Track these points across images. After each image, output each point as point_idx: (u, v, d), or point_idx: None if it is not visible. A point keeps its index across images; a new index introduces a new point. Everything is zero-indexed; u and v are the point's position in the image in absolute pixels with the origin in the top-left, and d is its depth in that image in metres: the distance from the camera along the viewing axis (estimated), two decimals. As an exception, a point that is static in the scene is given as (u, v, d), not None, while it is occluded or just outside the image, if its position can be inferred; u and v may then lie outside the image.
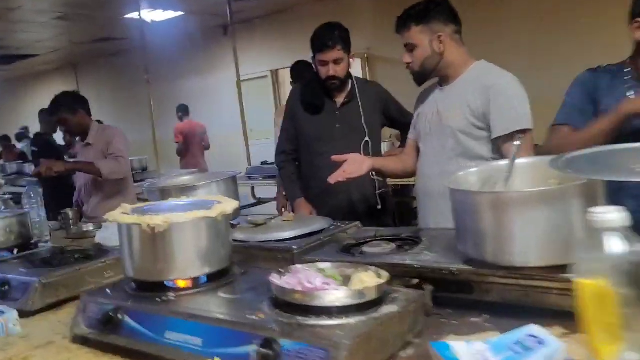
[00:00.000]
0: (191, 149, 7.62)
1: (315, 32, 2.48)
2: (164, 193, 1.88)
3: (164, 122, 9.46)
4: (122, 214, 1.33)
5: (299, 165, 2.71)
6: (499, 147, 1.81)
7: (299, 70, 4.00)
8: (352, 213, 2.40)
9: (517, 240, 1.12)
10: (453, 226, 1.28)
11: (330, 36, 2.42)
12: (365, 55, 7.16)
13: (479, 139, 1.85)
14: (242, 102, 8.65)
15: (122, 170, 3.21)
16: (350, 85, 2.56)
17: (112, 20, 7.81)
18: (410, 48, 1.90)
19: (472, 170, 1.48)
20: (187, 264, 1.28)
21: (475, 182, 1.41)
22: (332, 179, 1.88)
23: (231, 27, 5.91)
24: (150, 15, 7.50)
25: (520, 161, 1.39)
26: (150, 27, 7.46)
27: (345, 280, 1.14)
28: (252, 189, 5.74)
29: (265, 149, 6.38)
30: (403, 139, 2.58)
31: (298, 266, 1.20)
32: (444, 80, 1.97)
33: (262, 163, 5.79)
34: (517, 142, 1.44)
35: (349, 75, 2.54)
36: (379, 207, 2.53)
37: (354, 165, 1.93)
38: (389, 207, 2.62)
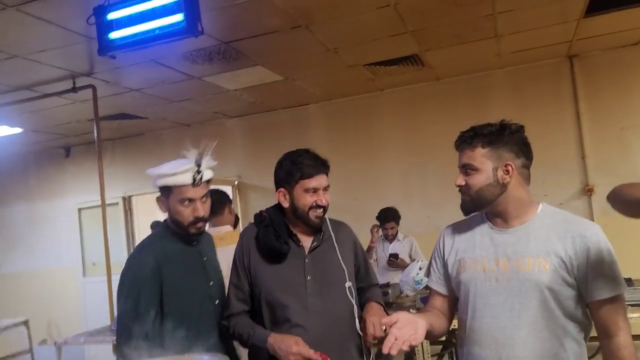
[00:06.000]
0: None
1: (296, 158, 1.93)
2: None
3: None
4: None
5: None
6: (591, 309, 1.55)
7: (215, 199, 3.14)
8: None
9: None
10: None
11: (319, 160, 1.95)
12: (236, 183, 6.72)
13: (566, 299, 1.54)
14: (82, 232, 7.54)
15: None
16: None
17: None
18: (469, 170, 1.64)
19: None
20: None
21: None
22: (386, 349, 1.44)
23: (97, 147, 5.00)
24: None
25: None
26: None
27: None
28: (114, 346, 4.35)
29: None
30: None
31: None
32: (503, 220, 1.65)
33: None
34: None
35: None
36: None
37: (407, 330, 1.48)
38: None
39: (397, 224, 5.01)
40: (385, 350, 1.45)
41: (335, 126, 6.42)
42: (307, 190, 1.90)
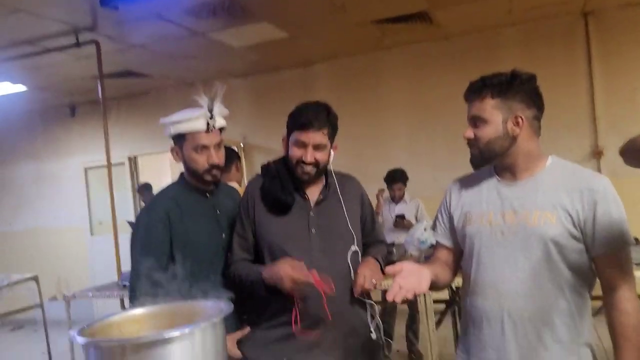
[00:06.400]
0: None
1: (299, 107, 1.90)
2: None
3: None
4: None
5: None
6: (596, 264, 1.53)
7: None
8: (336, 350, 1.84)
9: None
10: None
11: (318, 115, 1.87)
12: (241, 144, 6.69)
13: (571, 252, 1.51)
14: (89, 191, 7.59)
15: None
16: (325, 179, 1.97)
17: None
18: (477, 122, 1.59)
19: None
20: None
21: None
22: (390, 297, 1.45)
23: (102, 106, 4.95)
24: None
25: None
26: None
27: None
28: (122, 300, 4.42)
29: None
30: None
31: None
32: (511, 173, 1.61)
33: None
34: None
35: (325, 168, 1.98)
36: (373, 337, 1.92)
37: (411, 279, 1.49)
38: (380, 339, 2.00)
39: (405, 185, 4.99)
40: (389, 299, 1.44)
41: (341, 86, 6.34)
42: (296, 143, 1.87)
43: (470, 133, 1.60)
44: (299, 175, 1.88)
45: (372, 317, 1.93)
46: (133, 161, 7.32)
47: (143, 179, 7.42)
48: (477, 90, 1.57)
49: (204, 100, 1.89)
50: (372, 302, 1.95)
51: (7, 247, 7.92)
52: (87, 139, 7.44)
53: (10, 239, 7.95)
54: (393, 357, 4.72)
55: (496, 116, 1.55)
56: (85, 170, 7.58)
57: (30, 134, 7.94)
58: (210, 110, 1.90)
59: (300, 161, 1.86)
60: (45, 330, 5.21)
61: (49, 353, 5.18)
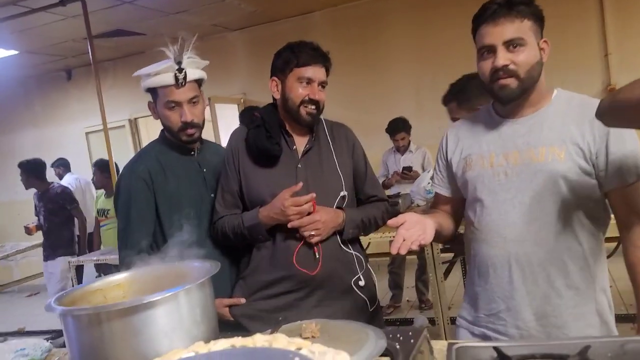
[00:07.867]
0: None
1: (293, 45, 1.74)
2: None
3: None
4: None
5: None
6: (610, 198, 1.42)
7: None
8: (323, 309, 1.70)
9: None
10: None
11: (320, 51, 1.75)
12: (242, 101, 6.54)
13: (583, 189, 1.39)
14: (91, 156, 7.52)
15: None
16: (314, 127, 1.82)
17: None
18: (515, 45, 1.36)
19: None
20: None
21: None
22: (395, 249, 1.34)
23: (94, 67, 4.78)
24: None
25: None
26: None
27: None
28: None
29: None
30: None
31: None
32: (515, 109, 1.45)
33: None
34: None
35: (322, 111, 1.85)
36: (362, 284, 1.81)
37: (415, 230, 1.36)
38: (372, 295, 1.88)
39: (408, 134, 4.84)
40: (393, 251, 1.34)
41: (342, 34, 6.11)
42: (300, 80, 1.72)
43: (505, 58, 1.35)
44: (303, 117, 1.74)
45: (360, 269, 1.81)
46: (133, 123, 7.20)
47: (145, 141, 7.32)
48: (514, 7, 1.36)
49: (170, 52, 1.73)
50: (359, 254, 1.82)
51: (14, 215, 7.92)
52: (85, 102, 7.29)
53: (17, 207, 7.95)
54: (403, 306, 4.71)
55: (533, 40, 1.38)
56: (87, 134, 7.49)
57: (28, 100, 7.81)
58: (179, 63, 1.73)
59: (306, 101, 1.72)
60: (57, 296, 5.26)
61: (63, 317, 5.25)
